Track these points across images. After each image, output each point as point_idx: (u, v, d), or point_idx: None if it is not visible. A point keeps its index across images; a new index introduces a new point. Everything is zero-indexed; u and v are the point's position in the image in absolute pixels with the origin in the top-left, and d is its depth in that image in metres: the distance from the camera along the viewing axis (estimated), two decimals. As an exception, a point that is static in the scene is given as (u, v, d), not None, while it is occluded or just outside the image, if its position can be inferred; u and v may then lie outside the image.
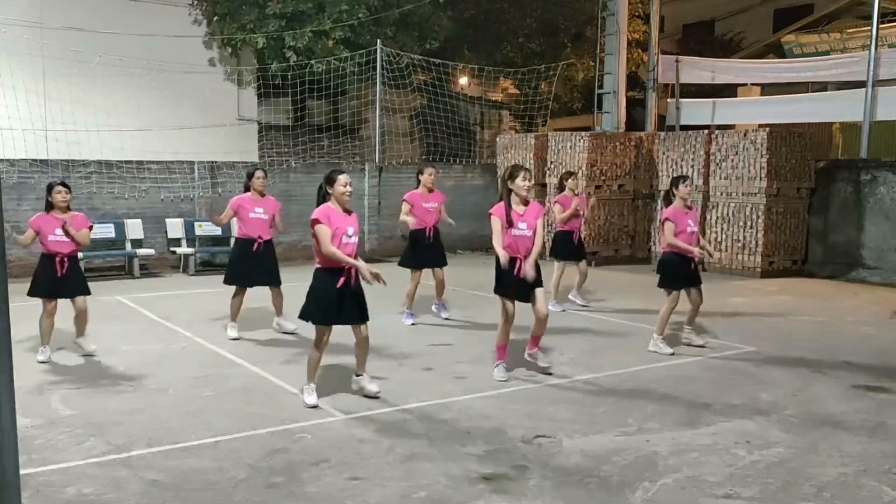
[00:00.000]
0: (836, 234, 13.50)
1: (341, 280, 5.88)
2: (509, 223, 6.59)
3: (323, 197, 6.05)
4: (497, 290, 6.82)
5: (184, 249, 13.39)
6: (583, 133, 15.31)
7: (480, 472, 4.81)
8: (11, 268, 11.34)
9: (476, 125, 22.55)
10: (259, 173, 8.53)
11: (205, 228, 13.74)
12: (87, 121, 13.69)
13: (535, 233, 6.68)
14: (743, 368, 7.35)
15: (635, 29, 19.70)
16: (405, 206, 9.11)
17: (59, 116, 13.76)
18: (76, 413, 5.85)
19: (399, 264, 9.48)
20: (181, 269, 13.41)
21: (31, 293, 7.48)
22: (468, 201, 15.66)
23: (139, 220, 13.33)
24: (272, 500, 4.41)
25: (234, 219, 8.67)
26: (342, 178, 6.02)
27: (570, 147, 14.91)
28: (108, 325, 8.95)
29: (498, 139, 17.29)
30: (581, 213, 10.16)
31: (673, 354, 7.73)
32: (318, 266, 6.01)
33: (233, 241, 13.72)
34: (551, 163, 15.31)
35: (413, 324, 9.15)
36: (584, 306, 10.28)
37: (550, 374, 7.01)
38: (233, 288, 8.60)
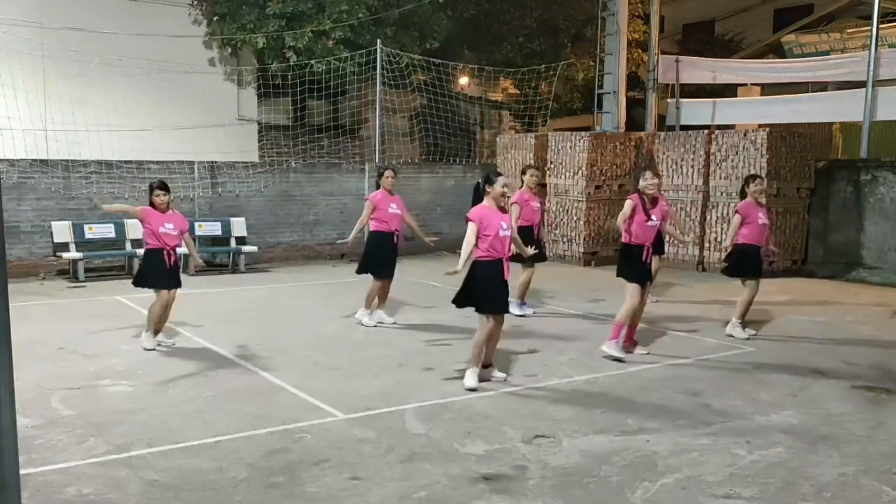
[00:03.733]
0: (836, 234, 13.50)
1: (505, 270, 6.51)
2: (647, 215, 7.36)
3: (480, 196, 6.68)
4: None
5: (184, 249, 13.36)
6: (583, 133, 15.30)
7: (480, 472, 4.81)
8: (11, 268, 11.35)
9: (476, 125, 22.54)
10: (388, 172, 8.99)
11: (205, 228, 13.74)
12: (87, 121, 13.68)
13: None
14: (743, 368, 7.35)
15: (635, 29, 19.69)
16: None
17: (59, 116, 13.75)
18: (76, 413, 5.85)
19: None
20: (181, 269, 13.39)
21: (144, 285, 7.96)
22: (468, 201, 15.59)
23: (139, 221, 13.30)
24: (272, 500, 4.42)
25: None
26: (501, 180, 6.53)
27: (570, 147, 14.91)
28: (108, 324, 8.95)
29: (498, 139, 17.28)
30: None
31: (748, 339, 8.33)
32: (477, 258, 6.46)
33: (232, 241, 13.85)
34: (551, 163, 15.31)
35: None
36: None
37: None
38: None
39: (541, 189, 15.45)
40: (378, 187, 9.10)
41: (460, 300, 6.63)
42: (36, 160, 12.88)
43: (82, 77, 14.06)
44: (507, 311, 6.81)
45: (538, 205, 9.84)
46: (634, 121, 19.43)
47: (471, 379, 6.51)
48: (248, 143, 16.86)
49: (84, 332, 8.50)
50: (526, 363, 7.38)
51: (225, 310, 10.02)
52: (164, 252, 7.75)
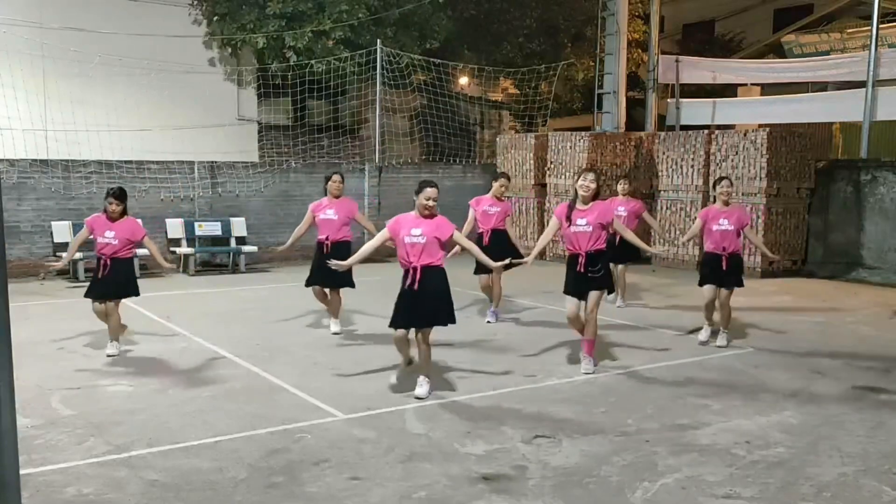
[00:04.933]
0: (836, 234, 13.50)
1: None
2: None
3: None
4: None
5: (184, 249, 13.39)
6: (583, 133, 15.31)
7: (480, 472, 4.81)
8: (11, 268, 11.35)
9: (476, 125, 22.54)
10: (336, 176, 8.69)
11: (205, 228, 13.74)
12: (87, 121, 13.69)
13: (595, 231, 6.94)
14: (743, 368, 7.35)
15: (635, 29, 19.70)
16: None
17: (59, 116, 13.75)
18: (76, 413, 5.85)
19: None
20: (181, 269, 13.41)
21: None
22: (468, 201, 15.64)
23: (139, 220, 13.29)
24: (272, 500, 4.41)
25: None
26: (427, 192, 6.26)
27: (570, 147, 14.91)
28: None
29: (498, 139, 17.29)
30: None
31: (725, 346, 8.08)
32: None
33: (232, 241, 13.85)
34: (551, 163, 15.31)
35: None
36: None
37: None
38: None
39: (540, 189, 15.54)
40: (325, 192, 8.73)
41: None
42: (36, 160, 12.89)
43: (82, 77, 14.06)
44: (411, 327, 6.32)
45: (497, 209, 9.35)
46: (634, 121, 19.43)
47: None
48: (248, 143, 16.86)
49: (84, 332, 8.49)
50: (526, 363, 7.38)
51: (225, 310, 10.01)
52: (101, 261, 7.48)
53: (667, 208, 14.52)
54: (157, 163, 13.72)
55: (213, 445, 5.21)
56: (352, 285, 8.57)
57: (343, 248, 8.24)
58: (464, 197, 16.22)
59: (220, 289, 11.81)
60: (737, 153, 13.37)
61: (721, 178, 8.51)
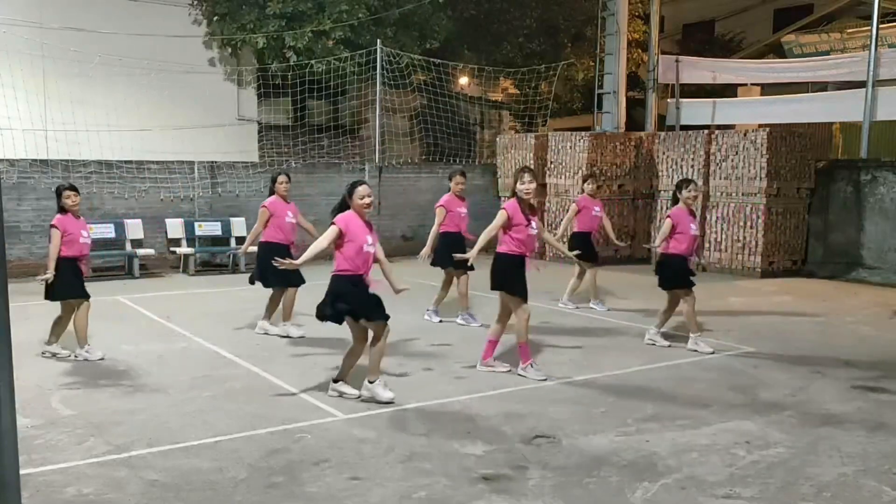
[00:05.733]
0: (836, 234, 13.50)
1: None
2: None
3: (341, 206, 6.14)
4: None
5: (184, 249, 13.39)
6: (583, 133, 15.31)
7: (480, 472, 4.81)
8: (11, 268, 11.34)
9: (476, 125, 22.54)
10: (282, 177, 8.59)
11: (205, 228, 13.74)
12: (87, 121, 13.69)
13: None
14: (742, 368, 7.35)
15: (635, 29, 19.70)
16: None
17: (59, 116, 13.76)
18: (76, 413, 5.85)
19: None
20: (181, 269, 13.41)
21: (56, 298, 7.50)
22: (468, 201, 15.64)
23: (139, 220, 13.33)
24: (272, 500, 4.41)
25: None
26: (361, 190, 6.08)
27: (570, 147, 14.92)
28: (108, 325, 8.94)
29: (498, 139, 17.29)
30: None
31: (713, 353, 7.83)
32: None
33: (232, 241, 13.83)
34: (551, 163, 15.31)
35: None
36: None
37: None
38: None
39: (540, 189, 15.53)
40: (272, 193, 8.56)
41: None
42: (36, 160, 12.89)
43: (82, 77, 14.06)
44: (376, 318, 6.06)
45: (465, 210, 9.30)
46: (634, 121, 19.43)
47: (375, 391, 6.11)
48: (248, 143, 16.87)
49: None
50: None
51: (225, 310, 10.01)
52: (79, 262, 7.30)
53: (667, 208, 14.46)
54: (157, 163, 13.72)
55: (213, 445, 5.21)
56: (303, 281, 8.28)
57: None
58: (464, 197, 16.28)
59: (220, 289, 11.81)
60: (737, 153, 13.38)
61: (688, 181, 8.19)
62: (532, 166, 15.43)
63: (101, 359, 7.37)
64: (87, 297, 7.41)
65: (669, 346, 8.09)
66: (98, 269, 12.90)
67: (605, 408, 6.10)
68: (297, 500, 4.43)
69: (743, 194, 13.28)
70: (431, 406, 6.09)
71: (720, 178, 13.62)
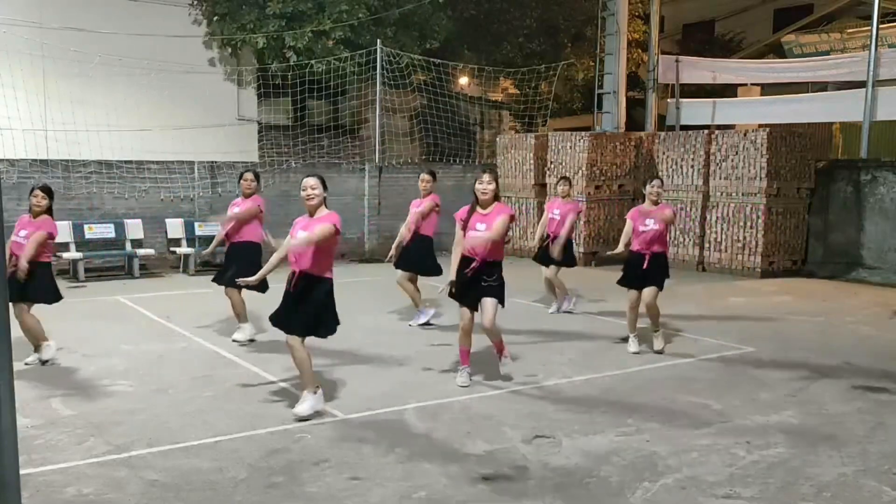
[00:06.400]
0: (836, 234, 13.50)
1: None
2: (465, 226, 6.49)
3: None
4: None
5: (184, 249, 13.39)
6: (583, 133, 15.31)
7: (480, 472, 4.81)
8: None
9: (476, 125, 22.54)
10: (247, 175, 8.20)
11: (205, 228, 13.73)
12: (87, 121, 13.69)
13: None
14: (743, 369, 7.35)
15: (635, 29, 19.69)
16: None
17: (59, 116, 13.75)
18: (76, 413, 5.85)
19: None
20: (181, 269, 13.41)
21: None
22: (468, 201, 15.61)
23: (139, 220, 13.33)
24: (272, 500, 4.41)
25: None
26: (302, 182, 5.89)
27: (570, 147, 14.91)
28: (108, 325, 8.95)
29: (498, 139, 17.29)
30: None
31: (637, 353, 7.73)
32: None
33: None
34: (551, 163, 15.31)
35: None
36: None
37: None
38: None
39: (540, 189, 15.53)
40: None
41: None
42: (36, 160, 12.89)
43: (82, 77, 14.06)
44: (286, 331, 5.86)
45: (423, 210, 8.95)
46: (634, 121, 19.43)
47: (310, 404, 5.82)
48: (248, 143, 16.86)
49: (84, 332, 8.51)
50: (526, 363, 7.38)
51: (225, 310, 9.98)
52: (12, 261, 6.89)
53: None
54: (157, 163, 13.72)
55: (213, 445, 5.21)
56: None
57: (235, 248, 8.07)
58: (464, 197, 16.26)
59: (220, 289, 11.78)
60: (737, 153, 13.38)
61: (653, 177, 8.07)
62: (530, 167, 15.43)
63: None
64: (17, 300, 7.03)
65: (637, 351, 7.87)
66: (98, 269, 12.91)
67: (605, 408, 6.10)
68: (297, 500, 4.43)
69: (743, 194, 13.28)
70: (431, 406, 6.09)
71: (720, 178, 13.62)
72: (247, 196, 8.14)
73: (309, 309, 5.80)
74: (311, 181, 5.88)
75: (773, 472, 4.85)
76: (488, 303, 6.43)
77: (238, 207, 8.11)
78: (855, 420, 5.88)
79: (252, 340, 8.12)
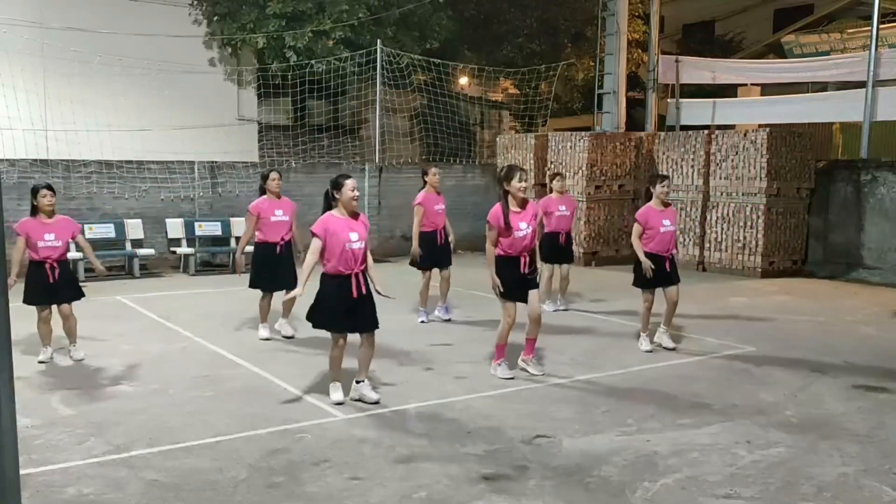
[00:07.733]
0: (836, 234, 13.50)
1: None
2: (507, 226, 6.58)
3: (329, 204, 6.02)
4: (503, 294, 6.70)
5: (184, 249, 13.39)
6: (583, 133, 15.31)
7: (480, 472, 4.81)
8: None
9: (476, 125, 22.54)
10: (274, 174, 8.37)
11: (205, 228, 13.74)
12: (87, 121, 13.70)
13: (533, 232, 6.74)
14: (743, 368, 7.35)
15: (635, 29, 19.68)
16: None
17: (59, 116, 13.77)
18: (76, 413, 5.85)
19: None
20: (181, 269, 13.41)
21: (25, 301, 7.28)
22: (468, 201, 15.70)
23: (139, 220, 13.33)
24: (272, 500, 4.41)
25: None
26: (350, 183, 5.95)
27: (570, 147, 14.92)
28: (108, 325, 8.95)
29: (498, 139, 17.29)
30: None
31: (651, 352, 7.83)
32: (325, 272, 5.98)
33: (232, 241, 13.82)
34: (551, 163, 15.31)
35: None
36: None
37: (542, 375, 6.96)
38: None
39: (540, 189, 15.53)
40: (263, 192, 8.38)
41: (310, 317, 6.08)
42: (36, 160, 12.89)
43: (82, 77, 14.06)
44: (367, 330, 6.07)
45: (443, 207, 9.16)
46: (634, 121, 19.42)
47: (335, 393, 6.10)
48: (248, 143, 16.87)
49: (84, 332, 8.48)
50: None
51: (225, 310, 10.01)
52: (46, 265, 7.11)
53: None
54: (158, 163, 13.72)
55: (213, 445, 5.21)
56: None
57: (288, 248, 8.32)
58: (464, 197, 16.36)
59: (221, 289, 11.80)
60: (737, 153, 13.38)
61: (662, 177, 8.06)
62: (530, 167, 15.45)
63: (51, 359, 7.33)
64: (52, 303, 7.26)
65: (674, 348, 8.00)
66: (98, 269, 12.91)
67: (606, 407, 6.10)
68: (297, 500, 4.43)
69: (743, 194, 13.28)
70: (431, 406, 6.09)
71: (720, 178, 13.62)
72: (277, 196, 8.34)
73: (373, 301, 6.08)
74: (356, 182, 6.01)
75: (774, 472, 4.85)
76: (536, 294, 6.81)
77: (280, 209, 8.29)
78: (855, 420, 5.88)
79: (292, 336, 8.35)
